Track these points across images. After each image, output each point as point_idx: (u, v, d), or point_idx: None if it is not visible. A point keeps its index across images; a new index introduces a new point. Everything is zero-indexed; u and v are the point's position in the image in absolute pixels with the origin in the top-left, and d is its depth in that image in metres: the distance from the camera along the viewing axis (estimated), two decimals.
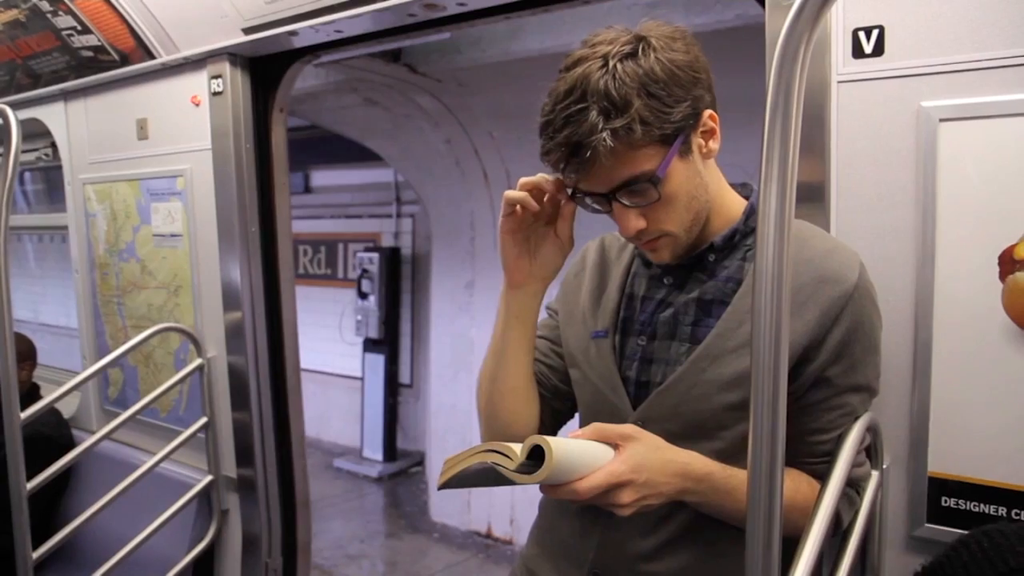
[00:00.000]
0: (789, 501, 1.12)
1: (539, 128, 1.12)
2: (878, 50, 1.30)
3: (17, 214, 4.50)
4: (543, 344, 1.45)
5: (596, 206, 1.18)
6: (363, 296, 6.44)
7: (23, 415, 2.12)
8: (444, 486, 1.09)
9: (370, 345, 6.55)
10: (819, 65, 1.35)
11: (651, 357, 1.24)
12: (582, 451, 1.02)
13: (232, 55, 2.44)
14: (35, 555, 2.14)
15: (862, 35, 1.31)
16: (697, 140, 1.14)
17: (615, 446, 1.06)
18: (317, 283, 7.54)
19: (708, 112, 1.13)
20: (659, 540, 1.21)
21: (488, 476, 1.06)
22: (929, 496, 1.32)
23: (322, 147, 6.23)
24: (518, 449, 0.99)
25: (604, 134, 1.04)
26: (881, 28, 1.29)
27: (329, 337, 7.22)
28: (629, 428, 1.08)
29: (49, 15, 2.74)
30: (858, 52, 1.32)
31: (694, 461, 1.10)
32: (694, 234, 1.20)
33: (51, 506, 2.99)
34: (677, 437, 1.14)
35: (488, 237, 5.05)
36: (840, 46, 1.33)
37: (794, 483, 1.16)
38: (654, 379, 1.23)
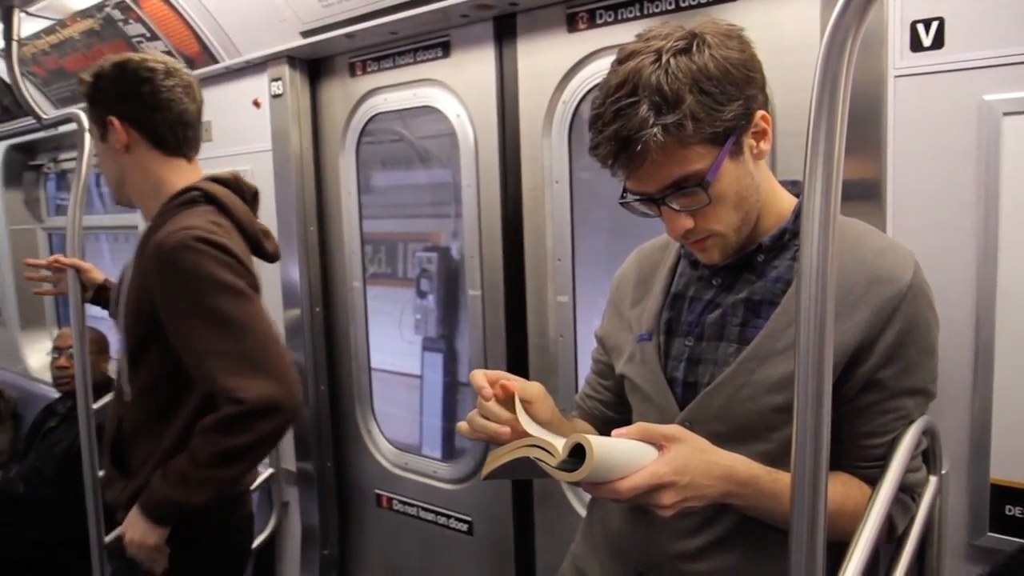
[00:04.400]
0: (839, 506, 1.10)
1: (589, 121, 1.10)
2: (937, 42, 1.26)
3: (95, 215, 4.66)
4: (592, 379, 1.47)
5: (644, 209, 1.17)
6: (422, 295, 6.48)
7: (95, 405, 2.21)
8: (488, 477, 1.11)
9: (429, 343, 6.60)
10: (875, 59, 1.31)
11: (699, 358, 1.22)
12: (625, 451, 1.01)
13: (291, 58, 2.51)
14: (107, 539, 2.22)
15: (920, 27, 1.27)
16: (748, 141, 1.11)
17: (659, 447, 1.05)
18: (378, 282, 7.63)
19: (760, 112, 1.11)
20: (705, 540, 1.20)
21: (531, 469, 1.06)
22: (992, 504, 1.28)
23: (382, 147, 6.31)
24: (560, 445, 0.99)
25: (655, 129, 1.02)
26: (941, 20, 1.25)
27: (389, 335, 7.30)
28: (674, 429, 1.06)
29: (120, 23, 2.86)
30: (916, 45, 1.28)
31: (739, 464, 1.08)
32: (743, 234, 1.17)
33: None
34: (724, 439, 1.12)
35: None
36: (897, 39, 1.29)
37: (845, 487, 1.13)
38: (702, 380, 1.21)
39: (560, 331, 2.10)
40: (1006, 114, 1.20)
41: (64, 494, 2.45)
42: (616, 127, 1.05)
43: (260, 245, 1.74)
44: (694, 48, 1.05)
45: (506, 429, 1.12)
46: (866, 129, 1.33)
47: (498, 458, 1.07)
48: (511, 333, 2.21)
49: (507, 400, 1.16)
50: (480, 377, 1.15)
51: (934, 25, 1.26)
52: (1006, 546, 1.25)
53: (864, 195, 1.35)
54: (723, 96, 1.05)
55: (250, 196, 1.76)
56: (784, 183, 1.23)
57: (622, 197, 1.17)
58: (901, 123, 1.31)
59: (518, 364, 2.20)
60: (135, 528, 1.55)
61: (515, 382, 1.14)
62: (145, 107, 1.67)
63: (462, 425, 1.17)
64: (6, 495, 3.15)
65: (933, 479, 1.25)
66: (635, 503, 1.05)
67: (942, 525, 1.30)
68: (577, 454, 0.97)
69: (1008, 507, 1.26)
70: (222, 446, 1.48)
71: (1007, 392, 1.24)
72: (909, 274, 1.09)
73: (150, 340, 1.61)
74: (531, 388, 1.18)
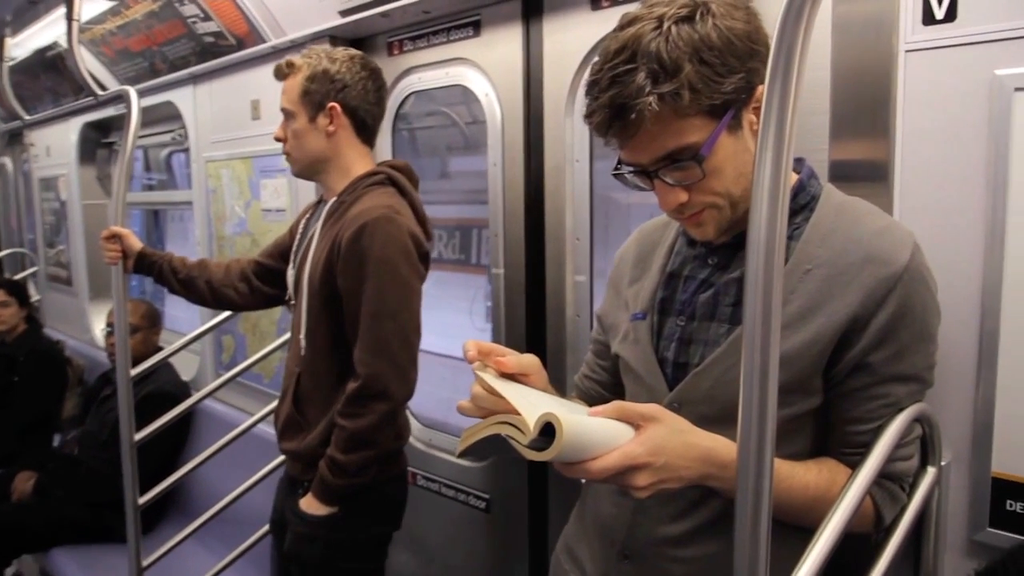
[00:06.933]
0: (823, 492, 1.07)
1: (586, 87, 1.08)
2: (950, 15, 1.20)
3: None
4: (590, 359, 1.46)
5: (637, 182, 1.14)
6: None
7: (134, 372, 2.30)
8: (463, 454, 1.10)
9: None
10: (885, 35, 1.26)
11: (690, 338, 1.20)
12: (598, 430, 0.99)
13: (333, 38, 2.55)
14: (140, 501, 2.33)
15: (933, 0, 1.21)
16: (749, 116, 1.07)
17: (636, 426, 1.01)
18: (451, 268, 7.57)
19: (762, 87, 1.07)
20: (690, 525, 1.18)
21: (505, 447, 1.06)
22: (992, 498, 1.23)
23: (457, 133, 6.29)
24: (532, 423, 0.98)
25: (651, 97, 0.99)
26: None
27: (460, 323, 7.27)
28: (652, 408, 1.03)
29: (176, 4, 2.96)
30: (928, 18, 1.22)
31: (719, 446, 1.05)
32: (740, 211, 1.13)
33: (171, 461, 3.23)
34: (711, 421, 1.10)
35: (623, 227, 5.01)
36: (909, 13, 1.24)
37: (831, 474, 1.10)
38: (692, 360, 1.19)
39: (577, 311, 2.09)
40: (1018, 89, 1.13)
41: (114, 458, 2.57)
42: (612, 94, 1.02)
43: (425, 225, 1.89)
44: (697, 16, 1.02)
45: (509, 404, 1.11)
46: (875, 107, 1.28)
47: (473, 434, 1.06)
48: (531, 312, 2.20)
49: (506, 376, 1.15)
50: (470, 344, 1.13)
51: None
52: (1005, 542, 1.19)
53: (872, 175, 1.30)
54: (724, 67, 1.01)
55: (416, 181, 1.95)
56: None
57: (616, 168, 1.15)
58: (911, 100, 1.25)
59: (536, 343, 2.20)
60: (311, 505, 1.81)
61: (510, 358, 1.13)
62: (364, 100, 1.90)
63: (464, 403, 1.13)
64: (62, 457, 3.32)
65: (931, 470, 1.21)
66: (608, 484, 1.03)
67: (940, 518, 1.25)
68: (549, 432, 0.95)
69: (1009, 502, 1.20)
70: (349, 431, 1.74)
71: (1011, 383, 1.19)
72: (906, 256, 1.05)
73: (334, 301, 1.80)
74: (526, 360, 1.16)
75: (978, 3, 1.18)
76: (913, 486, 1.17)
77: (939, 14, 1.21)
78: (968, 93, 1.20)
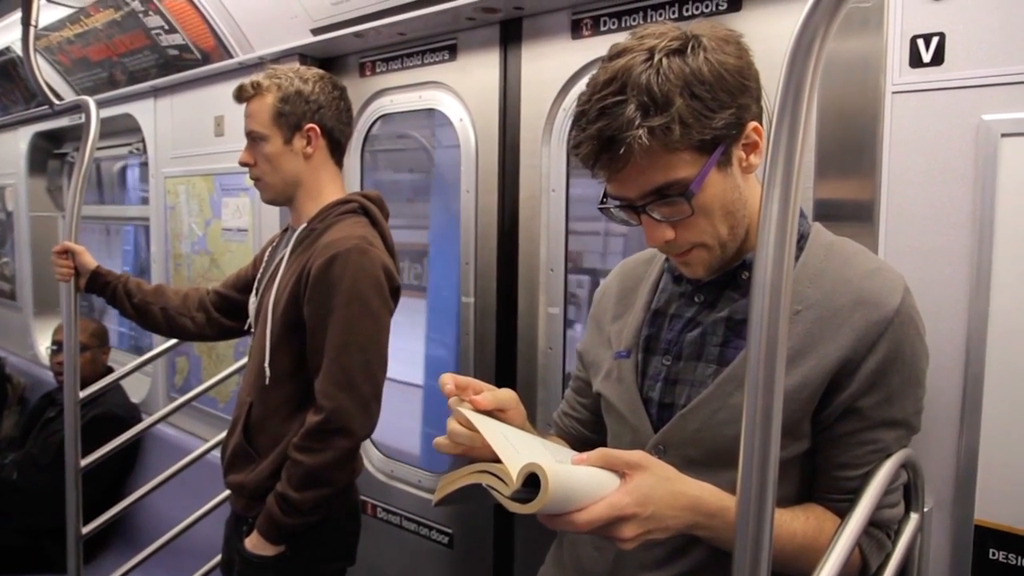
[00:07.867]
0: (812, 540, 1.04)
1: (573, 118, 1.05)
2: (937, 59, 1.21)
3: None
4: (570, 396, 1.42)
5: (624, 216, 1.11)
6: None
7: (83, 394, 2.20)
8: (440, 503, 1.05)
9: None
10: (873, 75, 1.26)
11: (676, 378, 1.17)
12: (584, 479, 0.94)
13: (303, 56, 2.50)
14: (84, 530, 2.21)
15: (921, 43, 1.22)
16: (738, 152, 1.05)
17: (622, 474, 0.97)
18: None
19: (753, 124, 1.05)
20: (672, 573, 1.13)
21: (485, 497, 1.00)
22: (975, 546, 1.21)
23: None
24: (515, 473, 0.92)
25: (640, 131, 0.96)
26: (942, 36, 1.20)
27: None
28: (638, 456, 0.98)
29: (140, 15, 2.88)
30: (916, 61, 1.23)
31: (707, 494, 1.01)
32: (730, 250, 1.11)
33: (117, 488, 3.10)
34: (697, 464, 1.07)
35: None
36: (897, 55, 1.24)
37: (818, 521, 1.07)
38: (678, 401, 1.15)
39: (550, 343, 2.06)
40: (1004, 135, 1.14)
41: (57, 484, 2.44)
42: (600, 125, 0.99)
43: (394, 257, 1.83)
44: (688, 50, 1.00)
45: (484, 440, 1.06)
46: (861, 148, 1.28)
47: (451, 483, 1.01)
48: (501, 342, 2.16)
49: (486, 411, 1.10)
50: (448, 378, 1.08)
51: (934, 41, 1.21)
52: None
53: (856, 215, 1.30)
54: (715, 102, 0.99)
55: (387, 214, 1.89)
56: None
57: (602, 202, 1.12)
58: (897, 141, 1.26)
59: (506, 374, 2.15)
60: (257, 545, 1.71)
61: (487, 395, 1.08)
62: (339, 120, 1.85)
63: (440, 440, 1.08)
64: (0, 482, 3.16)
65: (914, 516, 1.18)
66: (594, 535, 0.99)
67: (923, 566, 1.23)
68: (532, 481, 0.91)
69: (992, 551, 1.19)
70: (306, 467, 1.64)
71: (996, 429, 1.18)
72: (897, 299, 1.03)
73: (297, 328, 1.72)
74: (503, 395, 1.12)
75: (966, 47, 1.19)
76: (897, 533, 1.15)
77: (926, 57, 1.22)
78: (955, 137, 1.20)
